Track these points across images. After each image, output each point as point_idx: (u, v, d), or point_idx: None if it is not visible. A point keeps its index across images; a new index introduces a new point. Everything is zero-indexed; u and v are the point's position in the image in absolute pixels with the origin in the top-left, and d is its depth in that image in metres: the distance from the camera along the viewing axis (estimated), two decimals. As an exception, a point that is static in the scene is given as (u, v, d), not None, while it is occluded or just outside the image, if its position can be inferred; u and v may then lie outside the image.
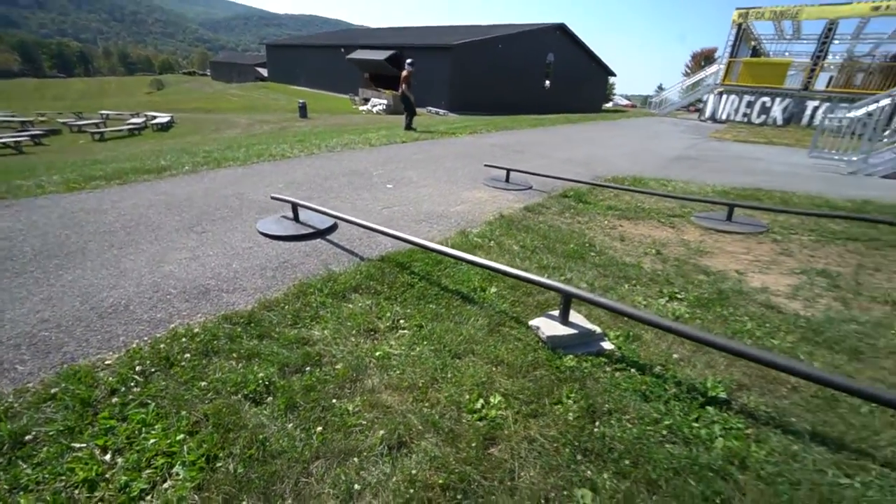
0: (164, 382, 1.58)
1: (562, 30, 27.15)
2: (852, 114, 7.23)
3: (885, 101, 6.65)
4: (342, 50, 28.41)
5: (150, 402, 1.49)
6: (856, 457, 1.39)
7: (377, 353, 1.78)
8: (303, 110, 17.82)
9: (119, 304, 2.09)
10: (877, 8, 14.86)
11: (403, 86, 9.29)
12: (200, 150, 6.67)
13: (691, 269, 2.83)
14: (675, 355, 1.87)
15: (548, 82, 27.63)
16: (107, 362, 1.69)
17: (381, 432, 1.38)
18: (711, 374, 1.77)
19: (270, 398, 1.51)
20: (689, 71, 47.39)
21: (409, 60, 9.42)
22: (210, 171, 4.88)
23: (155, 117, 18.42)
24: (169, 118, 17.95)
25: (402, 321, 2.03)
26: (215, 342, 1.80)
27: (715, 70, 20.28)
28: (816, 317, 2.30)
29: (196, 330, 1.88)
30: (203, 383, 1.57)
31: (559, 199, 4.30)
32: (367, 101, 22.54)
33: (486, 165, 5.27)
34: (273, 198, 3.33)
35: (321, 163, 5.63)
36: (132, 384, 1.57)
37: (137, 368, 1.64)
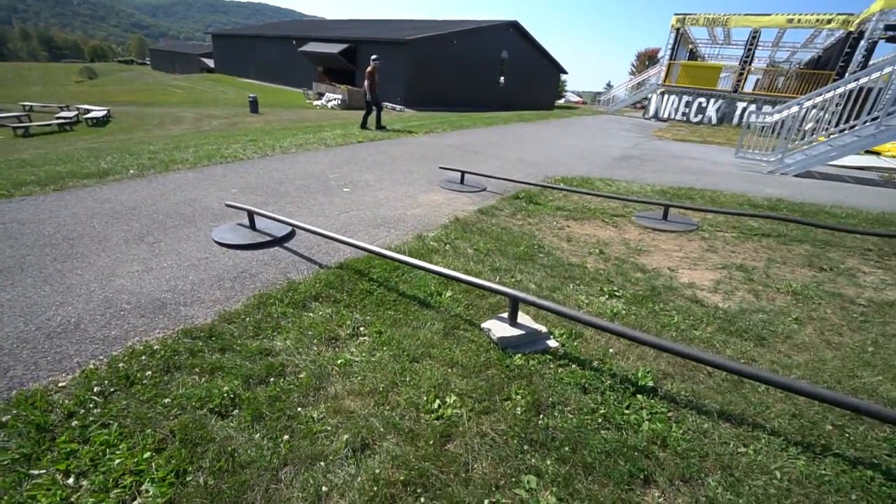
0: (126, 402, 1.59)
1: (515, 27, 27.67)
2: (769, 118, 7.99)
3: (794, 109, 7.41)
4: (294, 42, 27.48)
5: (112, 422, 1.50)
6: (751, 429, 1.65)
7: (339, 361, 1.87)
8: (254, 105, 17.14)
9: (68, 323, 2.05)
10: (791, 20, 16.63)
11: (367, 82, 9.15)
12: (145, 151, 6.34)
13: (630, 267, 3.10)
14: (611, 350, 2.09)
15: (502, 79, 28.11)
16: (61, 384, 1.68)
17: (346, 436, 1.48)
18: (642, 365, 2.01)
19: (236, 410, 1.57)
20: (634, 70, 49.73)
21: (373, 56, 9.22)
22: (158, 175, 4.69)
23: (89, 111, 17.04)
24: (105, 112, 16.66)
25: (362, 328, 2.13)
26: (176, 358, 1.82)
27: (657, 71, 21.48)
28: (732, 308, 2.62)
29: (155, 346, 1.88)
30: (167, 400, 1.60)
31: (511, 201, 4.51)
32: (321, 95, 22.00)
33: (441, 168, 5.40)
34: (228, 205, 3.29)
35: (276, 165, 5.54)
36: (91, 405, 1.58)
37: (95, 389, 1.64)
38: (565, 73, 36.72)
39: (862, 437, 1.62)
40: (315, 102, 21.45)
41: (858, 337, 2.35)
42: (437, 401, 1.68)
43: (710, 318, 2.47)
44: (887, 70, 6.74)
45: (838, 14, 15.80)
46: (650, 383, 1.88)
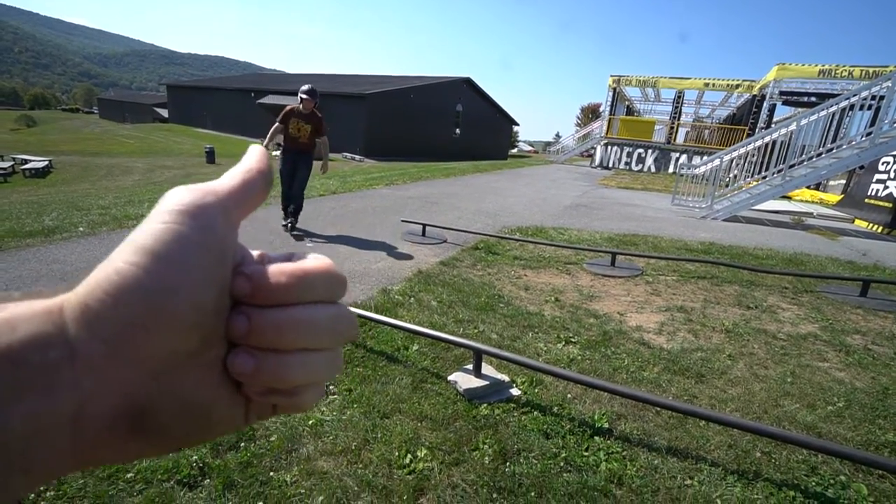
0: (83, 481, 1.54)
1: (468, 83, 29.63)
2: (697, 170, 8.97)
3: (717, 161, 8.40)
4: (253, 94, 27.87)
5: None
6: (695, 462, 1.82)
7: (310, 422, 1.90)
8: (210, 155, 17.02)
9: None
10: (707, 84, 19.23)
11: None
12: (94, 205, 6.13)
13: (583, 313, 3.34)
14: (569, 395, 2.24)
15: (458, 130, 29.63)
16: (7, 465, 1.60)
17: (321, 498, 1.51)
18: (598, 408, 2.16)
19: (207, 480, 1.56)
20: (580, 122, 54.05)
21: (304, 89, 4.83)
22: (112, 233, 4.56)
23: (26, 160, 16.21)
24: (46, 162, 15.91)
25: (331, 387, 2.17)
26: (138, 429, 1.78)
27: (599, 124, 23.52)
28: (675, 349, 2.87)
29: (111, 464, 1.83)
30: (130, 475, 1.56)
31: (471, 252, 4.74)
32: (279, 146, 22.17)
33: (402, 221, 5.60)
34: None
35: (237, 219, 5.53)
36: (42, 489, 1.51)
37: (49, 468, 1.57)
38: (517, 124, 39.27)
39: (786, 461, 1.83)
40: (274, 153, 21.52)
41: (780, 369, 2.64)
42: (409, 455, 1.74)
43: (656, 359, 2.70)
44: (783, 131, 7.86)
45: (744, 80, 18.31)
46: (606, 425, 2.03)
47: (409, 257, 4.45)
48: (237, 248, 0.22)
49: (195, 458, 1.63)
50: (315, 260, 0.22)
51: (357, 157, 22.59)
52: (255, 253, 0.24)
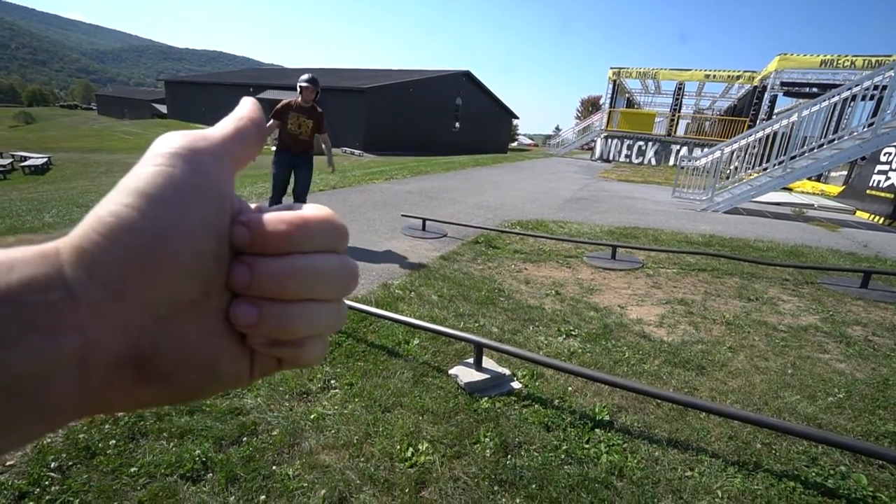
0: (87, 475, 1.55)
1: (468, 76, 29.45)
2: (698, 162, 8.93)
3: (717, 154, 8.36)
4: (251, 89, 27.75)
5: (72, 499, 1.46)
6: (696, 453, 1.83)
7: (312, 416, 1.90)
8: (209, 151, 16.98)
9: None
10: (708, 75, 19.08)
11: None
12: (94, 202, 6.08)
13: (584, 307, 3.34)
14: (570, 388, 2.25)
15: (457, 124, 29.49)
16: (8, 463, 1.61)
17: (323, 492, 1.52)
18: (599, 400, 2.17)
19: (210, 474, 1.57)
20: (579, 115, 53.75)
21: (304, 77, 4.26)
22: (110, 230, 4.55)
23: (25, 157, 16.18)
24: (45, 159, 15.89)
25: (332, 381, 2.18)
26: (142, 423, 1.79)
27: (600, 117, 23.40)
28: (675, 341, 2.87)
29: (119, 412, 1.84)
30: (133, 469, 1.57)
31: (471, 246, 4.74)
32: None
33: (402, 215, 5.59)
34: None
35: (237, 215, 5.53)
36: (47, 483, 1.52)
37: (52, 465, 1.59)
38: (516, 117, 39.07)
39: (786, 452, 1.84)
40: (273, 148, 21.47)
41: (781, 361, 2.65)
42: (411, 449, 1.75)
43: (656, 352, 2.70)
44: (784, 122, 7.81)
45: (745, 71, 18.17)
46: (606, 417, 2.03)
47: (409, 252, 4.45)
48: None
49: (198, 452, 1.64)
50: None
51: (356, 151, 22.51)
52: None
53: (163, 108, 40.11)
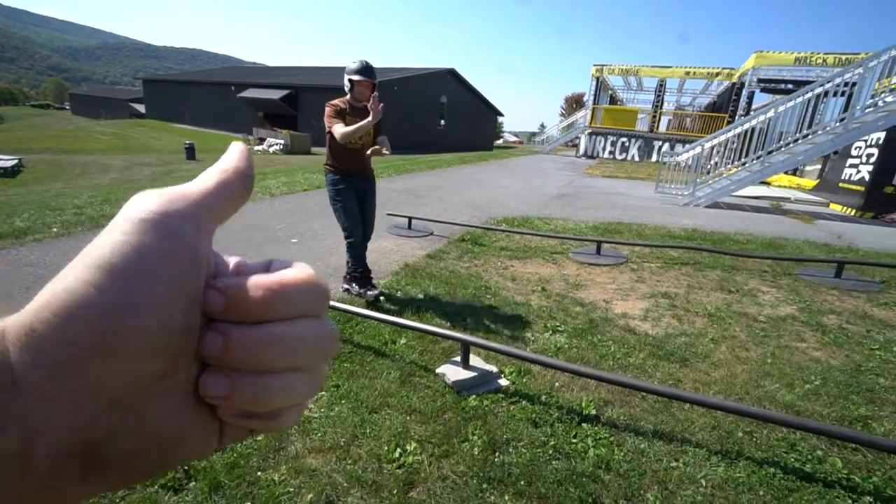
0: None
1: (452, 74, 29.38)
2: (679, 157, 9.09)
3: (698, 149, 8.52)
4: (233, 88, 27.24)
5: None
6: (680, 444, 1.86)
7: (298, 419, 1.88)
8: (190, 151, 16.61)
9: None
10: (688, 72, 19.43)
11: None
12: (69, 205, 5.94)
13: (570, 302, 3.37)
14: (557, 383, 2.26)
15: (443, 122, 29.43)
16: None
17: (310, 496, 1.50)
18: (585, 395, 2.19)
19: (192, 483, 1.53)
20: (564, 112, 54.20)
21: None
22: (87, 233, 4.42)
23: (-6, 160, 15.59)
24: (15, 161, 15.33)
25: (319, 383, 2.15)
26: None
27: (583, 114, 23.62)
28: (659, 334, 2.92)
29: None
30: (112, 480, 1.53)
31: (457, 244, 4.73)
32: (262, 140, 21.76)
33: (388, 214, 5.56)
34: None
35: (218, 216, 5.42)
36: None
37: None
38: (501, 115, 39.17)
39: (766, 439, 1.88)
40: (256, 148, 21.14)
41: (761, 350, 2.71)
42: (398, 449, 1.74)
43: (641, 345, 2.74)
44: (762, 118, 8.00)
45: (723, 68, 18.55)
46: (593, 411, 2.05)
47: (395, 251, 4.43)
48: (211, 257, 0.20)
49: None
50: (296, 270, 0.21)
51: (341, 150, 22.28)
52: (230, 261, 0.22)
53: (141, 108, 39.09)
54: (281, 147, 20.32)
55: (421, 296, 3.26)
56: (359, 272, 3.14)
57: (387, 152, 3.03)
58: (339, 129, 2.81)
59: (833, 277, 4.09)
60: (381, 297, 3.22)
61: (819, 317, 3.24)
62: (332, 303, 2.61)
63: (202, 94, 30.93)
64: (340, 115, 2.93)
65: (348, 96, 2.98)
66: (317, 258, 4.08)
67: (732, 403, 1.90)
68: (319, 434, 1.80)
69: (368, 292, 3.16)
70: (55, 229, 4.47)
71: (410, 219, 5.17)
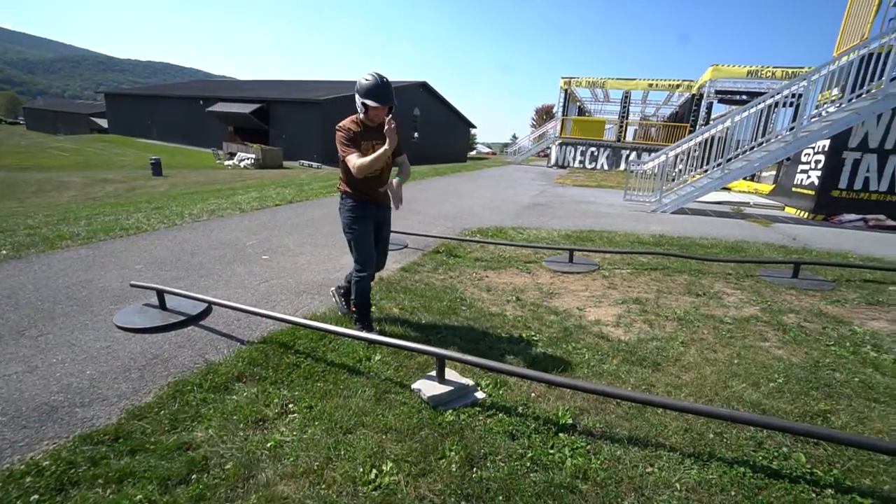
0: (10, 533, 1.39)
1: (424, 87, 29.68)
2: (645, 166, 9.42)
3: (662, 158, 8.86)
4: (202, 102, 26.65)
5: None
6: (655, 449, 1.88)
7: (269, 444, 1.81)
8: (157, 167, 16.08)
9: (-72, 448, 1.74)
10: (651, 84, 20.28)
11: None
12: (21, 225, 5.63)
13: (544, 311, 3.40)
14: (533, 394, 2.27)
15: (416, 134, 29.60)
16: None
17: (280, 526, 1.43)
18: (561, 404, 2.19)
19: (154, 520, 1.45)
20: (535, 123, 55.41)
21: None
22: (41, 255, 4.19)
23: (-60, 180, 14.64)
24: (-38, 181, 14.45)
25: (290, 405, 2.08)
26: (73, 471, 1.63)
27: (553, 125, 24.22)
28: (632, 340, 2.97)
29: (44, 462, 1.67)
30: (65, 522, 1.43)
31: (432, 256, 4.73)
32: (232, 155, 21.30)
33: (364, 227, 5.51)
34: (133, 285, 3.06)
35: (186, 235, 5.24)
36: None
37: (-32, 524, 1.41)
38: (474, 126, 39.70)
39: (735, 439, 1.93)
40: (227, 162, 20.66)
41: (728, 351, 2.80)
42: (374, 470, 1.70)
43: (615, 351, 2.78)
44: (720, 127, 8.41)
45: (684, 80, 19.45)
46: (570, 421, 2.06)
47: (369, 265, 4.37)
48: None
49: (140, 497, 1.51)
50: None
51: (315, 164, 22.06)
52: None
53: (104, 123, 37.66)
54: (252, 161, 19.93)
55: (396, 310, 3.23)
56: (363, 313, 2.82)
57: (395, 207, 2.79)
58: (354, 162, 2.53)
59: (791, 278, 4.29)
60: (365, 325, 2.86)
61: (780, 316, 3.39)
62: (303, 321, 2.55)
63: (169, 109, 30.09)
64: (354, 141, 2.63)
65: (361, 115, 2.68)
66: (287, 274, 3.99)
67: (703, 406, 1.95)
68: (291, 459, 1.74)
69: (346, 310, 3.14)
70: (4, 251, 4.22)
71: (385, 232, 5.14)
